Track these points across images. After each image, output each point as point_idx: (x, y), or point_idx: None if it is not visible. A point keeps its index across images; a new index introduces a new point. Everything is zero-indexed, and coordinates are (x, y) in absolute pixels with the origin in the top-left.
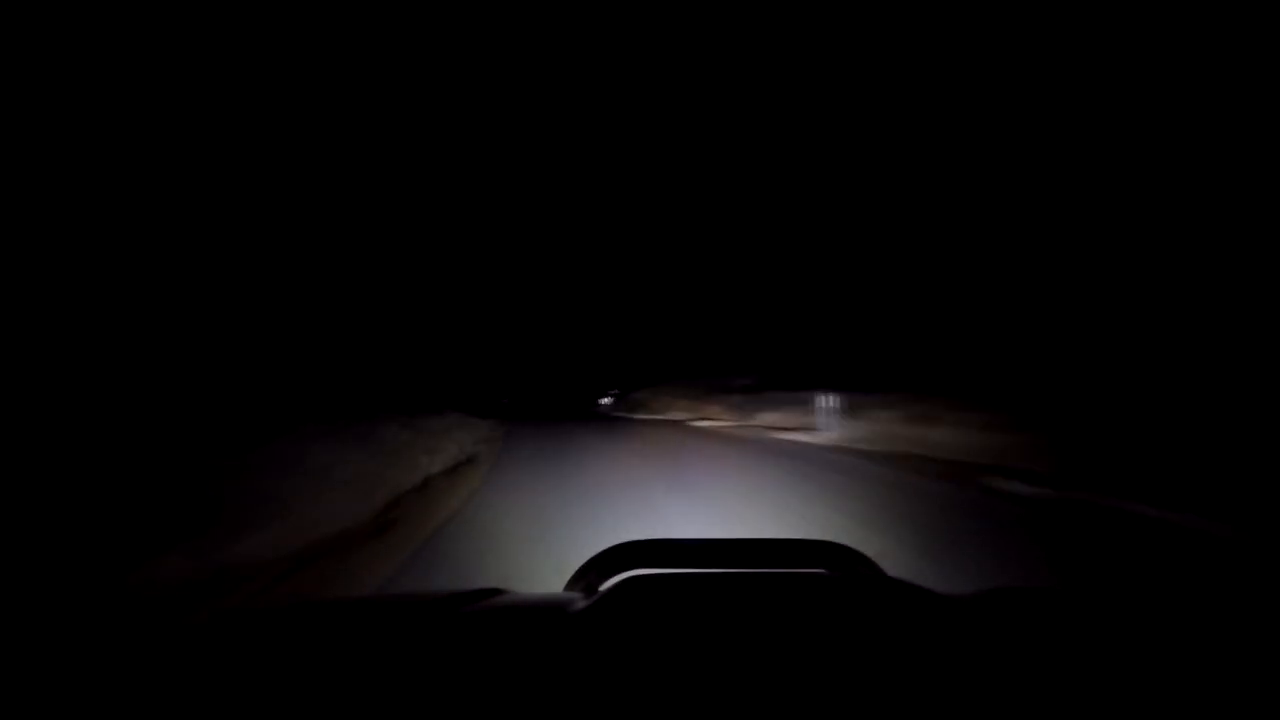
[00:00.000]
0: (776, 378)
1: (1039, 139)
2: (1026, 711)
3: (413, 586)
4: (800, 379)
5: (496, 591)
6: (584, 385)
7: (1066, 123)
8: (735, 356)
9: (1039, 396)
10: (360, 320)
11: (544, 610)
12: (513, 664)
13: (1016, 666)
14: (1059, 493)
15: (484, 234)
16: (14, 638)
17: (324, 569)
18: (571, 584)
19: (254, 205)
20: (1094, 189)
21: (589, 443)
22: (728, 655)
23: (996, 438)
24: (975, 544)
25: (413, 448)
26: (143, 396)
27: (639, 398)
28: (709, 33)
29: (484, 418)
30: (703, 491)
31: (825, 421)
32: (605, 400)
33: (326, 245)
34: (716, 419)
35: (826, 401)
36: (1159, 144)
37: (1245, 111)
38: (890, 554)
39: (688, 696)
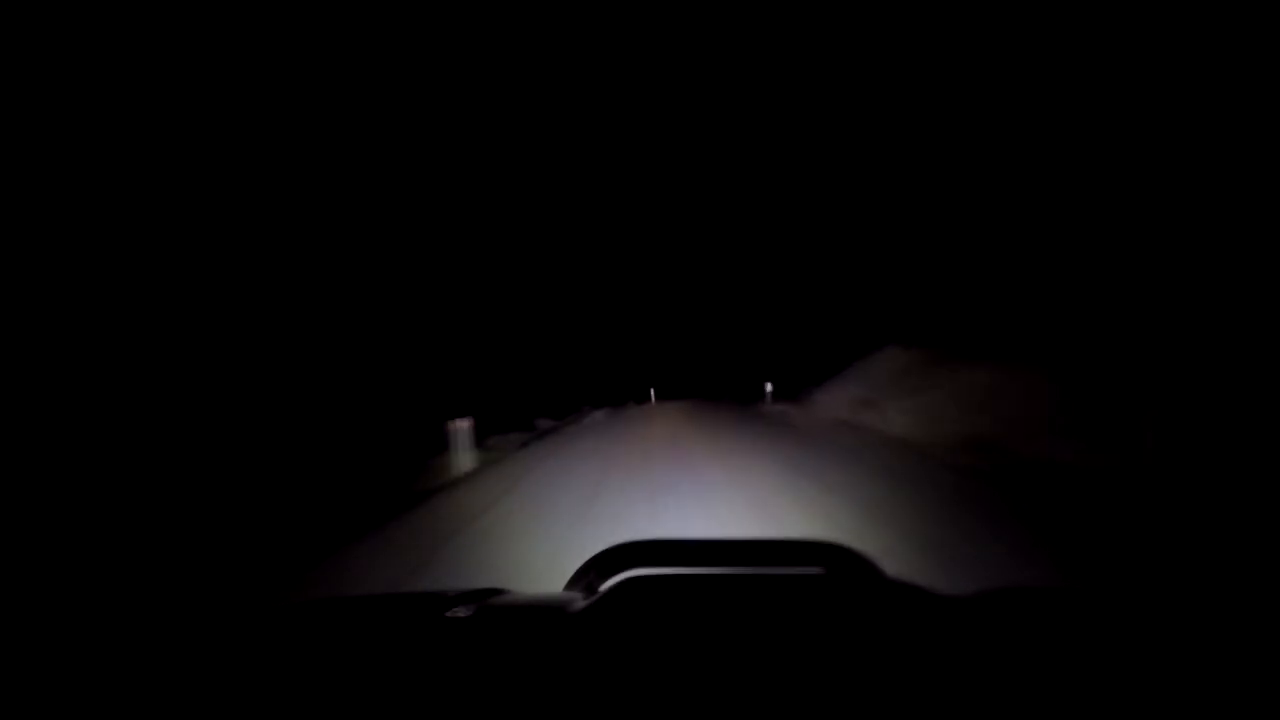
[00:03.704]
0: None
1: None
2: (1026, 713)
3: (414, 586)
4: None
5: (497, 591)
6: None
7: None
8: None
9: None
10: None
11: (544, 610)
12: (513, 664)
13: (1015, 668)
14: None
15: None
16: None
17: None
18: (571, 584)
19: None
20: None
21: None
22: (725, 659)
23: None
24: None
25: None
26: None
27: None
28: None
29: None
30: None
31: None
32: None
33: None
34: None
35: None
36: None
37: None
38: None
39: (685, 699)
